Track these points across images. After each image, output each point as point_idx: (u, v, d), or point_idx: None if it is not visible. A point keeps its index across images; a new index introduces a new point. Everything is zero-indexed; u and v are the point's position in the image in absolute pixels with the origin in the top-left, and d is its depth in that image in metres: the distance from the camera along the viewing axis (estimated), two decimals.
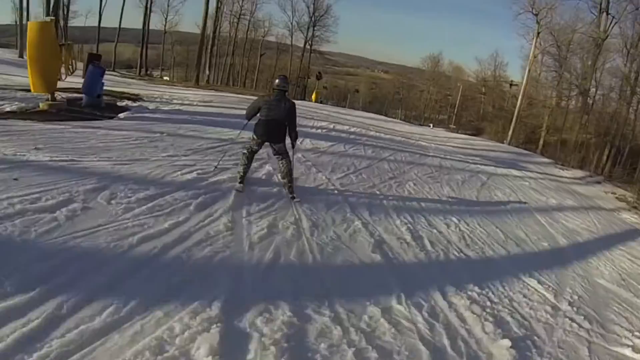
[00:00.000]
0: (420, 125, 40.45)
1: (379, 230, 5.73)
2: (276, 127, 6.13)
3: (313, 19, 54.82)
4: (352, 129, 16.41)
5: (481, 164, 15.02)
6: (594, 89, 34.03)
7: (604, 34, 31.09)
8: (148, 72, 49.21)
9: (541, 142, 36.15)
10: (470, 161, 15.25)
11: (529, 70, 32.45)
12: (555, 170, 19.89)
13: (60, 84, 10.12)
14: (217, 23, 51.74)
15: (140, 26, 46.91)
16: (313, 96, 41.61)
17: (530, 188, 12.54)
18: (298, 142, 6.93)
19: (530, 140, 37.83)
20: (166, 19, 55.32)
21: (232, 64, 59.99)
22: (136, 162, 6.40)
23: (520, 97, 32.40)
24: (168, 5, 54.13)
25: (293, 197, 6.15)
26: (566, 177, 18.22)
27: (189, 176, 6.15)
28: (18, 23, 34.00)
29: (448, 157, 15.26)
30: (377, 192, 7.78)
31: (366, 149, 12.59)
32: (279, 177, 6.53)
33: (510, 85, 49.17)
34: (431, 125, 46.71)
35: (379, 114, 39.61)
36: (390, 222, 6.16)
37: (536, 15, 32.69)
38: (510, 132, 31.63)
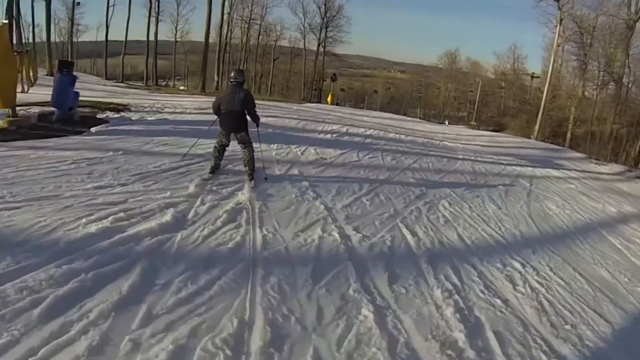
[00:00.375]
0: (440, 123, 38.88)
1: (405, 325, 3.35)
2: (234, 117, 6.48)
3: (325, 20, 53.47)
4: (368, 132, 15.04)
5: (516, 165, 13.43)
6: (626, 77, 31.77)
7: (636, 15, 28.84)
8: (160, 82, 48.51)
9: (569, 135, 34.07)
10: (504, 162, 13.67)
11: (553, 60, 30.45)
12: (591, 165, 18.12)
13: (33, 97, 8.84)
14: (229, 28, 51.34)
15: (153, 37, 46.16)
16: (329, 99, 40.34)
17: (579, 192, 10.80)
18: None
19: (556, 134, 35.75)
20: (176, 28, 54.70)
21: (246, 70, 58.90)
22: (35, 202, 4.66)
23: (545, 89, 30.42)
24: (178, 14, 53.46)
25: (251, 180, 6.36)
26: (606, 174, 16.43)
27: (94, 227, 4.17)
28: None
29: (479, 159, 13.67)
30: (401, 227, 5.61)
31: (385, 155, 10.96)
32: (243, 165, 6.73)
33: (532, 77, 47.12)
34: (447, 122, 44.95)
35: (397, 114, 38.08)
36: (425, 297, 3.85)
37: (557, 1, 30.70)
38: (537, 127, 29.67)
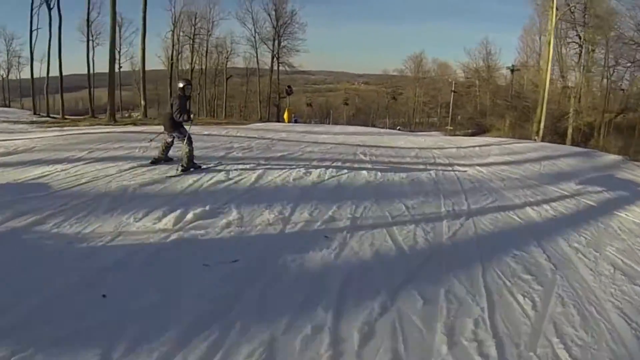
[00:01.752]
0: (412, 132, 33.04)
1: None
2: (167, 119, 7.55)
3: (277, 29, 47.08)
4: (329, 162, 8.91)
5: (575, 196, 7.90)
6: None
7: None
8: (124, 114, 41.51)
9: (570, 131, 28.22)
10: (556, 193, 8.02)
11: (550, 44, 24.42)
12: None
13: None
14: (175, 48, 45.03)
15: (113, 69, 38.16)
16: (285, 115, 33.39)
17: None
18: None
19: (556, 131, 29.58)
20: (119, 52, 47.33)
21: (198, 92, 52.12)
22: None
23: (547, 80, 24.36)
24: (120, 37, 45.98)
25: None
26: None
27: None
28: None
29: (527, 197, 7.52)
30: None
31: (363, 222, 5.41)
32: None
33: (512, 70, 40.95)
34: (398, 128, 40.23)
35: (364, 126, 31.83)
36: None
37: None
38: (541, 125, 23.50)
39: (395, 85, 63.04)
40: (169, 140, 7.59)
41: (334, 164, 8.78)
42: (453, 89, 49.24)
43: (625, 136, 25.81)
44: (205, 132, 13.58)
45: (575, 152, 15.31)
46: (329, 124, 52.57)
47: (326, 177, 7.49)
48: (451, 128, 43.71)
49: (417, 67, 60.53)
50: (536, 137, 22.88)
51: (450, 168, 9.68)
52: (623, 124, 28.34)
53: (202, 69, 51.36)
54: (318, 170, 7.87)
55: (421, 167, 9.50)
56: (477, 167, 10.08)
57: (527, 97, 33.79)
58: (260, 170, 7.58)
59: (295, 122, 32.27)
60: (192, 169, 7.26)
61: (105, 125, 18.64)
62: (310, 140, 13.15)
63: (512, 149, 14.50)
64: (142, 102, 27.74)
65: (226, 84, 52.93)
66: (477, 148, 14.40)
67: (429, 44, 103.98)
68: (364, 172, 8.15)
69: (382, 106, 60.63)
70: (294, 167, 8.09)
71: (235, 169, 7.60)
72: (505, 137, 25.63)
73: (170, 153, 7.93)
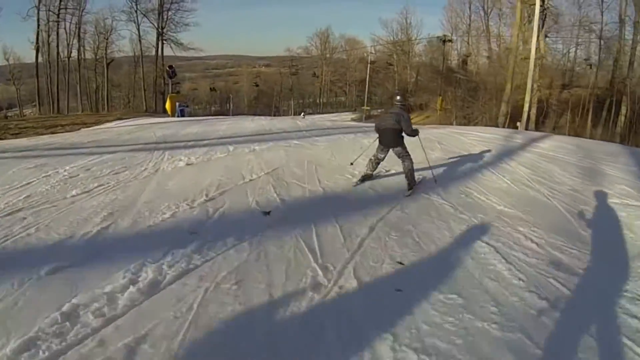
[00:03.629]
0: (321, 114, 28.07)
1: None
2: (390, 133, 6.88)
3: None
4: None
5: None
6: None
7: None
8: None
9: (532, 112, 23.96)
10: None
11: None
12: None
13: None
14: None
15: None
16: (167, 105, 26.85)
17: None
18: None
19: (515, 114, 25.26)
20: None
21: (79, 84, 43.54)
22: None
23: (532, 50, 19.60)
24: None
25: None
26: None
27: None
28: None
29: None
30: None
31: None
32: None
33: (444, 41, 35.94)
34: (302, 114, 34.86)
35: (264, 115, 26.27)
36: None
37: None
38: (526, 107, 18.68)
39: (300, 65, 57.72)
40: (381, 156, 6.99)
41: None
42: (370, 62, 42.74)
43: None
44: None
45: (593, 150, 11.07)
46: (228, 109, 49.33)
47: None
48: (368, 108, 38.93)
49: (324, 44, 55.67)
50: (518, 123, 18.47)
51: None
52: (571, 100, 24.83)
53: (80, 56, 43.14)
54: None
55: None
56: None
57: (464, 72, 29.18)
58: None
59: (181, 114, 25.68)
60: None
61: None
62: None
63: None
64: None
65: (107, 70, 44.65)
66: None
67: (338, 22, 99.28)
68: None
69: (286, 87, 55.25)
70: None
71: None
72: (457, 124, 21.22)
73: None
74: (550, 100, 24.33)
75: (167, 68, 30.30)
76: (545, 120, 23.25)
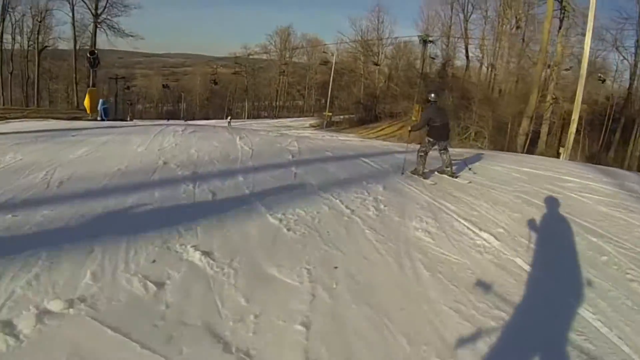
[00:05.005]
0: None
1: None
2: (447, 130, 7.06)
3: None
4: None
5: None
6: None
7: None
8: None
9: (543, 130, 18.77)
10: None
11: None
12: None
13: None
14: None
15: None
16: (86, 102, 19.98)
17: None
18: None
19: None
20: None
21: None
22: None
23: (584, 63, 14.03)
24: None
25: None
26: None
27: None
28: None
29: None
30: None
31: None
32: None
33: (425, 41, 30.20)
34: (229, 118, 31.27)
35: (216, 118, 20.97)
36: None
37: None
38: (572, 129, 13.38)
39: (258, 65, 52.28)
40: (429, 149, 6.88)
41: None
42: (334, 63, 36.10)
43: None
44: None
45: None
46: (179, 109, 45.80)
47: None
48: (329, 114, 33.05)
49: (284, 43, 50.34)
50: (562, 150, 13.27)
51: None
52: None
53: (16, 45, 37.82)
54: None
55: None
56: None
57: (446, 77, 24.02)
58: None
59: (104, 116, 18.01)
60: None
61: None
62: None
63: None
64: None
65: (38, 58, 37.89)
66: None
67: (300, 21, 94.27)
68: None
69: (241, 88, 50.12)
70: None
71: None
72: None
73: None
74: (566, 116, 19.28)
75: (88, 54, 23.44)
76: (551, 139, 18.49)
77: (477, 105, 18.05)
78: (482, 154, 9.18)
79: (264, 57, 51.58)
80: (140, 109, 59.33)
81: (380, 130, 24.31)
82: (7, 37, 35.88)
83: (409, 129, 7.39)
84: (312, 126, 34.43)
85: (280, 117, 44.14)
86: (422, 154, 6.85)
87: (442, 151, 6.97)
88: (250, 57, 50.87)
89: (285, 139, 8.75)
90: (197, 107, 50.57)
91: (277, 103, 48.52)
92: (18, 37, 37.44)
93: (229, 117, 33.02)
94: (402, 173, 6.71)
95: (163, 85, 48.35)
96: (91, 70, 23.78)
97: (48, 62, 39.44)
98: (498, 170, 7.14)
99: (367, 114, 30.48)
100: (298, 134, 14.34)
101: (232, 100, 49.71)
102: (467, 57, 29.38)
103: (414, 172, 6.76)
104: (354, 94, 37.04)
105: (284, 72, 48.92)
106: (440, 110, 6.88)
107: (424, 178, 6.60)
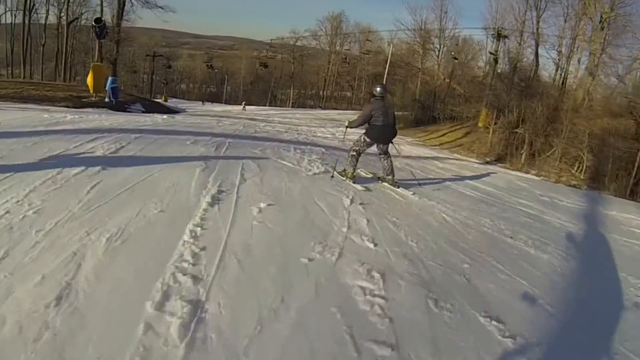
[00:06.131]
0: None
1: None
2: (391, 132, 6.43)
3: None
4: None
5: None
6: None
7: None
8: None
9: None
10: None
11: None
12: None
13: None
14: None
15: None
16: (89, 79, 17.22)
17: None
18: None
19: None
20: None
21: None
22: None
23: None
24: None
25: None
26: None
27: None
28: None
29: None
30: None
31: None
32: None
33: (499, 36, 25.21)
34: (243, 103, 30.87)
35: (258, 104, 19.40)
36: None
37: None
38: None
39: (306, 53, 49.64)
40: (361, 151, 6.25)
41: None
42: (390, 54, 30.94)
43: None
44: None
45: None
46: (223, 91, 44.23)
47: None
48: None
49: (335, 29, 47.31)
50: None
51: None
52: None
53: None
54: None
55: None
56: None
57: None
58: None
59: (113, 97, 15.18)
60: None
61: None
62: None
63: None
64: None
65: (67, 32, 35.76)
66: None
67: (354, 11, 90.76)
68: None
69: (287, 74, 47.81)
70: None
71: None
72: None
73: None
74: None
75: (93, 23, 19.48)
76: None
77: (568, 118, 14.18)
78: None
79: (313, 43, 49.06)
80: (183, 89, 58.40)
81: (442, 135, 21.05)
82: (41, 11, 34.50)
83: (346, 125, 6.59)
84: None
85: (327, 109, 41.36)
86: (354, 153, 6.21)
87: (382, 156, 6.38)
88: (299, 42, 48.40)
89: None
90: (241, 91, 48.91)
91: (325, 93, 45.74)
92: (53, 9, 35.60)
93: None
94: (332, 177, 6.02)
95: (206, 65, 46.21)
96: (97, 42, 20.78)
97: (84, 36, 37.55)
98: None
99: (424, 114, 26.95)
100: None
101: (277, 87, 47.44)
102: (537, 58, 25.22)
103: (342, 173, 6.14)
104: (410, 89, 31.76)
105: (345, 59, 45.78)
106: (386, 109, 6.14)
107: (354, 182, 5.92)
